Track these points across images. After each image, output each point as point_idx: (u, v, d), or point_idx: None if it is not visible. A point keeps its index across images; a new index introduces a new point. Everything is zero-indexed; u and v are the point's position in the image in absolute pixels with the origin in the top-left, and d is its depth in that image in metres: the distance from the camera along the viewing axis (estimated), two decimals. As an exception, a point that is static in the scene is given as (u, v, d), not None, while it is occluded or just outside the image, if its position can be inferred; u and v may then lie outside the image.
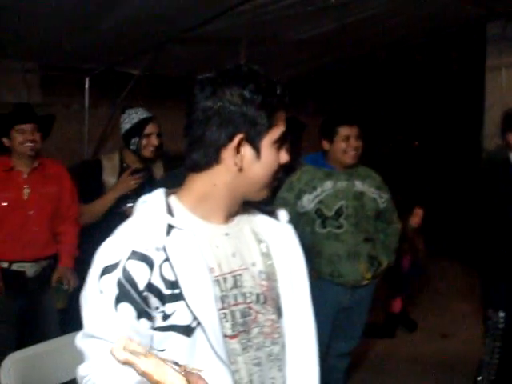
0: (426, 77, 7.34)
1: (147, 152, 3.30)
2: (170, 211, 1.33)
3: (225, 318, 1.31)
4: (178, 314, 1.25)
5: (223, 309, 1.31)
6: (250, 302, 1.36)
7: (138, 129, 3.27)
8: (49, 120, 3.17)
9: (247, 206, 1.47)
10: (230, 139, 1.30)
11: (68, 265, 3.15)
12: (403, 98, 7.50)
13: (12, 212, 2.99)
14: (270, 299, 1.41)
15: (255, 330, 1.36)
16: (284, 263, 1.46)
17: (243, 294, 1.36)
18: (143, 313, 1.25)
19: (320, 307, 3.15)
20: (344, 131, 3.17)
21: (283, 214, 1.54)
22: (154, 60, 4.63)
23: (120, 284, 1.23)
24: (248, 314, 1.35)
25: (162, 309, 1.26)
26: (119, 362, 0.97)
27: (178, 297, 1.25)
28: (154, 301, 1.25)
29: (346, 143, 3.16)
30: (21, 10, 3.62)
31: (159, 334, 1.27)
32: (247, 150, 1.32)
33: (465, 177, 4.62)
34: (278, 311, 1.44)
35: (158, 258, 1.25)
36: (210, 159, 1.33)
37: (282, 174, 1.40)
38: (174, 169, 3.46)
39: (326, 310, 3.12)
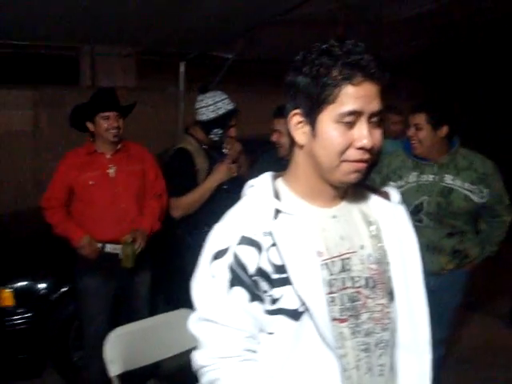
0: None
1: (228, 137, 3.27)
2: (276, 195, 1.31)
3: (333, 301, 1.27)
4: (286, 298, 1.24)
5: (331, 293, 1.27)
6: (359, 287, 1.31)
7: (223, 120, 3.21)
8: (131, 107, 3.20)
9: (359, 187, 1.41)
10: (290, 114, 1.27)
11: (145, 230, 3.16)
12: (503, 82, 7.10)
13: (100, 190, 3.04)
14: (380, 283, 1.35)
15: (365, 316, 1.31)
16: (395, 245, 1.38)
17: (352, 278, 1.30)
18: (255, 296, 1.25)
19: None
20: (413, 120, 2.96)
21: (395, 195, 1.48)
22: (248, 44, 4.62)
23: (231, 269, 1.24)
24: (356, 298, 1.30)
25: (270, 293, 1.24)
26: None
27: (286, 281, 1.23)
28: (263, 284, 1.24)
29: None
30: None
31: (268, 317, 1.26)
32: (306, 127, 1.26)
33: None
34: (390, 295, 1.36)
35: (265, 243, 1.24)
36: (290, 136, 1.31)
37: (365, 158, 1.24)
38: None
39: None
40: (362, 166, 1.25)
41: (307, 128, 1.25)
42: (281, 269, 1.23)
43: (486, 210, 3.01)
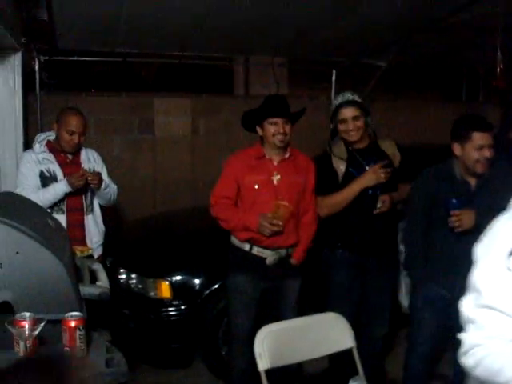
0: None
1: (346, 137, 3.23)
2: None
3: None
4: None
5: None
6: None
7: (333, 114, 3.26)
8: (300, 113, 3.26)
9: None
10: None
11: (298, 260, 3.24)
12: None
13: (262, 195, 3.11)
14: None
15: None
16: None
17: None
18: None
19: None
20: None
21: None
22: (402, 51, 4.56)
23: None
24: None
25: None
26: None
27: None
28: None
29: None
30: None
31: None
32: None
33: None
34: None
35: None
36: None
37: None
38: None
39: None
40: None
41: None
42: None
43: None
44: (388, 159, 3.30)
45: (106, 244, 3.73)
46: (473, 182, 2.98)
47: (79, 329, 1.89)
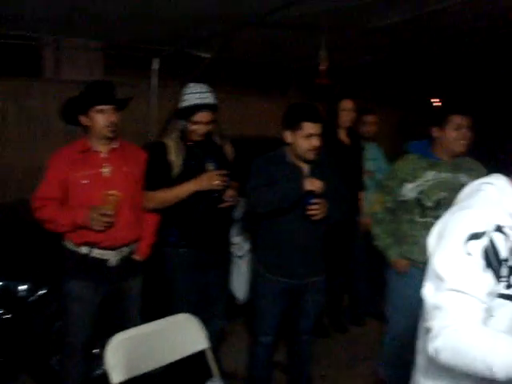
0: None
1: (194, 136, 3.18)
2: None
3: None
4: None
5: None
6: None
7: (185, 114, 3.14)
8: (127, 100, 3.07)
9: None
10: None
11: (143, 257, 3.11)
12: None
13: (92, 190, 2.86)
14: None
15: None
16: None
17: None
18: (499, 278, 1.47)
19: (415, 294, 3.16)
20: (457, 120, 3.10)
21: None
22: (227, 44, 4.58)
23: (486, 251, 1.45)
24: None
25: (507, 279, 1.48)
26: None
27: None
28: (503, 270, 1.47)
29: (458, 132, 3.10)
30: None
31: (497, 300, 1.48)
32: None
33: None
34: None
35: (511, 236, 1.49)
36: None
37: None
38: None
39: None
40: None
41: None
42: None
43: None
44: (225, 156, 3.32)
45: None
46: (305, 166, 3.09)
47: None
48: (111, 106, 2.89)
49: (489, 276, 1.45)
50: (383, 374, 3.52)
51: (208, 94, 3.17)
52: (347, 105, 4.42)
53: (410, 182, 3.17)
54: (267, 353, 3.32)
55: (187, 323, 2.51)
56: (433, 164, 3.17)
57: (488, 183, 1.62)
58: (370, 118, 4.93)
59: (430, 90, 6.79)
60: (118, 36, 5.16)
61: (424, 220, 3.15)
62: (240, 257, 3.89)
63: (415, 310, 3.16)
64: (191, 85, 3.19)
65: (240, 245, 3.82)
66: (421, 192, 3.14)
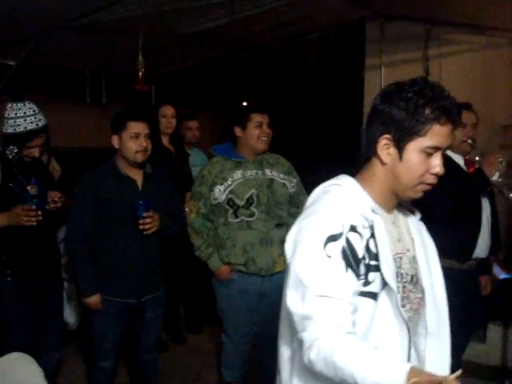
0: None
1: (27, 158, 2.97)
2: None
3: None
4: (376, 282, 1.53)
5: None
6: (405, 282, 1.65)
7: (20, 140, 2.88)
8: None
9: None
10: (380, 137, 1.57)
11: None
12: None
13: None
14: (418, 280, 1.69)
15: (407, 306, 1.64)
16: (422, 250, 1.74)
17: (401, 274, 1.64)
18: (359, 276, 1.50)
19: (241, 299, 3.23)
20: (257, 118, 3.26)
21: (417, 213, 1.81)
22: (34, 50, 4.25)
23: (344, 251, 1.48)
24: (402, 291, 1.63)
25: (365, 276, 1.52)
26: None
27: (377, 268, 1.53)
28: (362, 268, 1.51)
29: (259, 130, 3.25)
30: None
31: (358, 297, 1.50)
32: (392, 150, 1.57)
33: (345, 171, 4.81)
34: (422, 291, 1.70)
35: (365, 234, 1.53)
36: (369, 151, 1.62)
37: (435, 182, 1.58)
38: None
39: (247, 300, 3.31)
40: (430, 187, 1.60)
41: (393, 150, 1.57)
42: (375, 257, 1.53)
43: (295, 199, 3.42)
44: (48, 175, 3.14)
45: None
46: (137, 177, 3.03)
47: None
48: None
49: (350, 276, 1.48)
50: (229, 377, 3.54)
51: (40, 116, 2.98)
52: (167, 111, 4.37)
53: (220, 184, 3.24)
54: (108, 378, 3.14)
55: (21, 362, 2.24)
56: (238, 164, 3.28)
57: (335, 184, 1.64)
58: (192, 124, 4.93)
59: (245, 95, 6.99)
60: None
61: (238, 220, 3.24)
62: (66, 279, 3.62)
63: (244, 311, 3.26)
64: (17, 106, 2.93)
65: (66, 266, 3.57)
66: (231, 192, 3.22)
